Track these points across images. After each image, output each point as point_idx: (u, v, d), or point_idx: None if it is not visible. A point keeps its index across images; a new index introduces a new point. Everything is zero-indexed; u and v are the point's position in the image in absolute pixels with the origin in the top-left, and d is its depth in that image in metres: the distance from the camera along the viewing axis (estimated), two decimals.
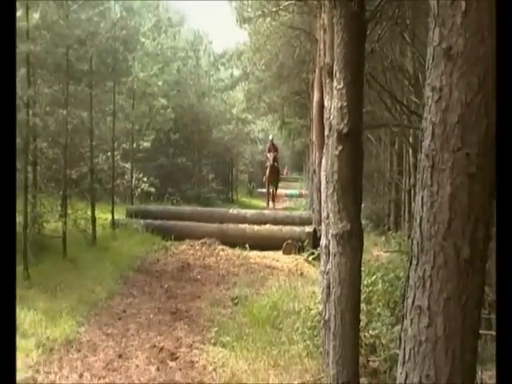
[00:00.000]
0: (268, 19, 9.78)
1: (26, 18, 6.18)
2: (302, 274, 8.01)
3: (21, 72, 6.65)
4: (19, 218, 6.84)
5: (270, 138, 19.59)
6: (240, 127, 20.07)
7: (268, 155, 18.61)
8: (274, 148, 18.60)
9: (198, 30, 19.02)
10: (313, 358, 4.55)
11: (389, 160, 11.42)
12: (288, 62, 12.88)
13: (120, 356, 4.77)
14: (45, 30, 6.99)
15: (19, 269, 6.28)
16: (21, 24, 6.12)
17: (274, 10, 8.27)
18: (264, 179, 19.04)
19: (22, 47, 6.29)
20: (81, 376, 4.30)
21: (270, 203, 18.35)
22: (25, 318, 5.20)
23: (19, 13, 5.94)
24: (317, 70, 7.44)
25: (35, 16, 6.28)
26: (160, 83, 13.54)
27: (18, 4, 6.13)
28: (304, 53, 11.81)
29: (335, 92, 2.82)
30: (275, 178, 18.53)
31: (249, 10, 9.60)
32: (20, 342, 4.67)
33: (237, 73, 18.06)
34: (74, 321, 5.52)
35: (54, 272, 6.85)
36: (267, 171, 18.40)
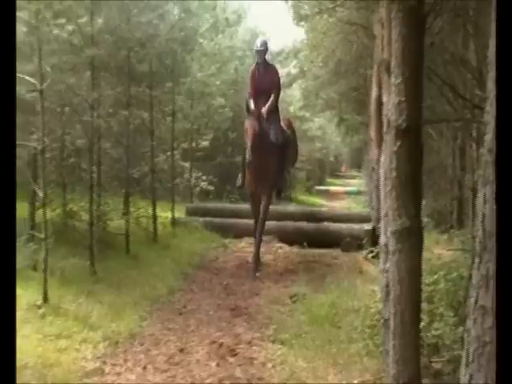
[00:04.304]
0: (325, 16, 9.70)
1: (91, 23, 6.41)
2: (360, 272, 7.92)
3: (86, 75, 6.92)
4: (86, 216, 7.14)
5: (259, 44, 8.60)
6: (297, 125, 20.01)
7: (250, 104, 8.16)
8: (272, 85, 8.42)
9: (255, 29, 19.13)
10: (372, 357, 4.49)
11: (451, 156, 11.09)
12: (345, 58, 12.72)
13: (181, 350, 4.89)
14: (108, 35, 7.24)
15: (86, 264, 6.57)
16: (86, 30, 6.36)
17: (330, 6, 8.20)
18: (238, 182, 8.66)
19: (87, 52, 6.55)
20: (144, 369, 4.44)
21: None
22: (92, 311, 5.42)
23: (84, 19, 6.17)
24: (375, 66, 7.32)
25: (99, 21, 6.50)
26: (218, 83, 13.70)
27: (83, 10, 6.39)
28: (362, 48, 11.61)
29: (393, 87, 2.78)
30: (268, 166, 8.01)
31: (305, 7, 9.56)
32: (88, 334, 4.90)
33: (294, 71, 18.02)
34: (137, 315, 5.70)
35: (118, 268, 7.08)
36: (248, 142, 7.80)
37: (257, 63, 8.71)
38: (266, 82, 8.49)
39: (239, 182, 8.70)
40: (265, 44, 8.70)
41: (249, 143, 7.80)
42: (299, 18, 10.09)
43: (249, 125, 7.96)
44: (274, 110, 8.55)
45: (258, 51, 8.67)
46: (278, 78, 8.87)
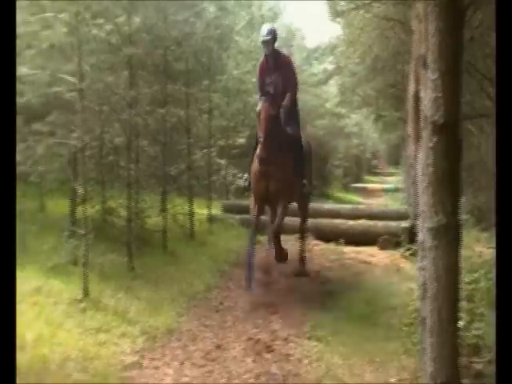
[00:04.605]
0: (361, 11, 9.59)
1: (128, 22, 6.51)
2: (398, 269, 7.83)
3: (124, 74, 7.04)
4: (124, 213, 7.28)
5: (265, 32, 6.99)
6: (334, 121, 19.88)
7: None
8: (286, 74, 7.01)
9: (291, 25, 19.08)
10: (410, 355, 4.44)
11: (492, 151, 10.80)
12: (382, 54, 12.55)
13: (218, 347, 4.93)
14: (145, 33, 7.35)
15: (124, 260, 6.69)
16: (124, 29, 6.47)
17: (367, 2, 8.11)
18: (245, 182, 7.22)
19: (125, 51, 6.67)
20: (181, 364, 4.50)
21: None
22: (130, 306, 5.53)
23: (122, 19, 6.27)
24: (412, 61, 7.21)
25: (136, 20, 6.60)
26: (254, 80, 13.67)
27: (120, 10, 6.50)
28: (399, 44, 11.45)
29: (429, 83, 2.74)
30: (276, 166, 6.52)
31: (342, 3, 9.48)
32: (127, 329, 5.00)
33: (330, 67, 17.91)
34: (174, 311, 5.78)
35: (156, 265, 7.18)
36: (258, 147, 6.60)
37: (265, 55, 7.12)
38: (277, 76, 7.04)
39: (246, 182, 7.16)
40: (272, 32, 6.98)
41: (261, 128, 6.35)
42: (335, 13, 10.02)
43: (262, 107, 6.44)
44: (293, 110, 7.04)
45: (264, 42, 6.98)
46: (293, 71, 7.18)
